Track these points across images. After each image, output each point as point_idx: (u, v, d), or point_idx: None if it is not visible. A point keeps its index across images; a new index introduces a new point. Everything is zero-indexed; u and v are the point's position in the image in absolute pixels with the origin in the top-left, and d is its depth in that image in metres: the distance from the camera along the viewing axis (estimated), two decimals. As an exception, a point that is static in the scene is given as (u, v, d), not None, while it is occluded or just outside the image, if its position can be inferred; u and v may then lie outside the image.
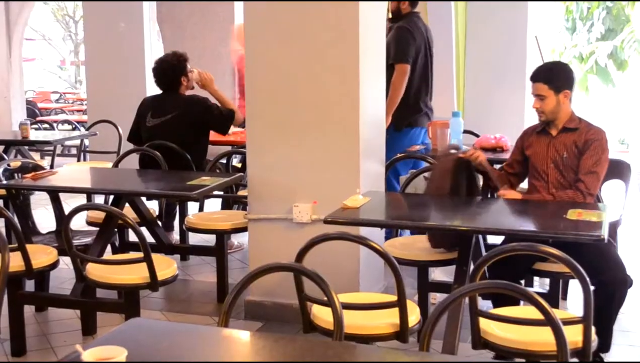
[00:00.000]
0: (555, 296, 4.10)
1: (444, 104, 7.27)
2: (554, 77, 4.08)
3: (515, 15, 7.68)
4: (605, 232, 3.30)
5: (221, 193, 5.82)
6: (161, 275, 3.84)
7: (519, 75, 7.75)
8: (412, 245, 4.28)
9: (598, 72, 14.11)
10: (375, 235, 4.45)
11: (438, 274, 4.91)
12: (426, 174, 5.01)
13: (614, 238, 4.86)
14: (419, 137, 6.01)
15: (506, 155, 5.55)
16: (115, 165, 5.79)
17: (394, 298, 3.10)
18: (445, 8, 7.45)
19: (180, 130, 5.67)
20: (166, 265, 3.95)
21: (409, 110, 5.92)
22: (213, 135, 6.20)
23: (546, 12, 9.57)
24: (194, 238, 5.91)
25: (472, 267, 3.66)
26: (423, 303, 4.26)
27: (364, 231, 4.10)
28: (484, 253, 3.84)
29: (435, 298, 4.64)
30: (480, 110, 7.55)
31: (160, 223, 5.29)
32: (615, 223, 4.86)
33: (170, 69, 5.78)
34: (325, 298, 2.56)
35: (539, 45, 7.96)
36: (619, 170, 5.02)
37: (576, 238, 3.32)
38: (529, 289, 2.76)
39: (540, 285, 4.97)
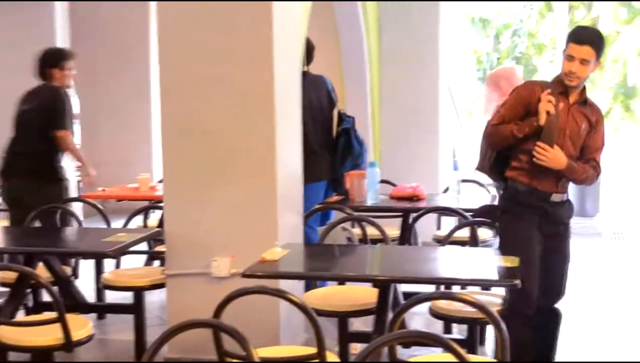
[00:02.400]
0: (472, 342, 4.15)
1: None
2: (601, 43, 3.84)
3: (428, 67, 7.88)
4: (518, 278, 3.37)
5: (141, 249, 5.73)
6: (76, 335, 3.73)
7: (433, 124, 7.94)
8: (332, 296, 4.28)
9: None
10: (296, 287, 4.44)
11: (359, 324, 4.92)
12: (344, 225, 5.05)
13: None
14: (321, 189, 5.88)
15: (423, 204, 5.65)
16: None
17: (314, 350, 3.09)
18: (359, 63, 7.58)
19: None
20: (81, 325, 3.85)
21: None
22: (131, 191, 6.14)
23: (458, 63, 9.85)
24: (111, 296, 5.79)
25: (391, 316, 3.68)
26: (344, 355, 4.25)
27: (284, 283, 4.09)
28: (401, 301, 3.87)
29: (356, 348, 4.63)
30: (397, 160, 7.67)
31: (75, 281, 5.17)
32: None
33: (42, 58, 5.75)
34: (245, 354, 2.53)
35: (451, 95, 8.17)
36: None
37: (490, 284, 3.38)
38: (445, 336, 2.79)
39: (458, 331, 5.02)
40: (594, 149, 3.99)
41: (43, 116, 5.58)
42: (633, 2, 12.65)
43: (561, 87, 3.87)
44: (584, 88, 3.92)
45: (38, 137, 5.56)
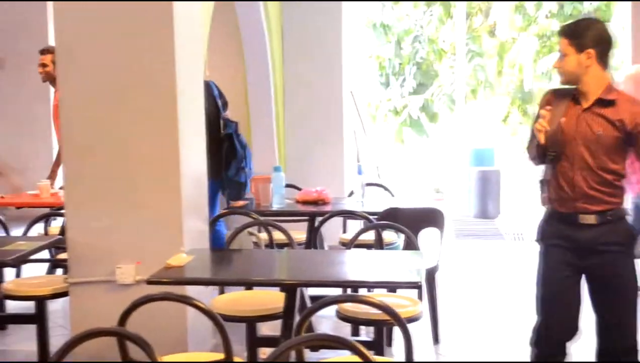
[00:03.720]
0: (379, 343, 4.21)
1: (266, 160, 7.38)
2: (578, 32, 3.47)
3: (331, 72, 7.96)
4: (422, 278, 3.45)
5: (43, 256, 5.59)
6: (-25, 347, 3.64)
7: (337, 129, 8.03)
8: (239, 301, 4.28)
9: (412, 124, 14.78)
10: (203, 292, 4.42)
11: (268, 329, 4.93)
12: (250, 229, 5.06)
13: (432, 284, 5.09)
14: None
15: (328, 208, 5.71)
16: None
17: (222, 356, 3.09)
18: (263, 66, 7.60)
19: None
20: (-19, 337, 3.75)
21: None
22: (31, 197, 5.98)
23: (361, 68, 9.97)
24: (12, 306, 5.64)
25: (297, 319, 3.70)
26: (253, 359, 4.26)
27: (191, 289, 4.07)
28: (308, 305, 3.90)
29: (265, 353, 4.64)
30: (301, 165, 7.73)
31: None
32: (433, 269, 5.09)
33: None
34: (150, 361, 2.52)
35: (354, 100, 8.27)
36: (434, 218, 5.27)
37: (395, 286, 3.44)
38: (352, 338, 2.83)
39: (366, 333, 5.10)
40: None
41: None
42: (527, 5, 13.06)
43: (573, 92, 3.56)
44: (608, 86, 3.50)
45: None
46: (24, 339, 5.37)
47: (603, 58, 3.47)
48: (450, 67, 14.18)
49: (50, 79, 6.24)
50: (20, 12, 10.11)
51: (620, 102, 3.47)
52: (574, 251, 3.54)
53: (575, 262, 3.55)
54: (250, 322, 4.22)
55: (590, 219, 3.49)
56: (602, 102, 3.47)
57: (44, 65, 6.50)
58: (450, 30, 14.28)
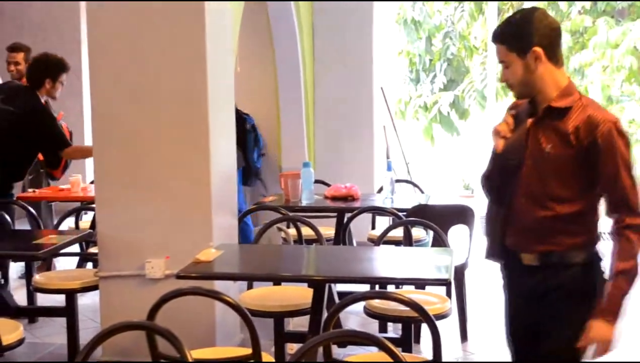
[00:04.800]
0: (407, 340, 4.20)
1: (295, 156, 7.38)
2: (515, 33, 2.77)
3: (362, 68, 7.94)
4: (450, 275, 3.43)
5: (73, 250, 5.64)
6: (6, 339, 3.66)
7: (366, 125, 8.00)
8: (268, 297, 4.29)
9: (442, 121, 14.69)
10: (231, 287, 4.43)
11: (296, 324, 4.93)
12: (279, 225, 5.07)
13: (461, 281, 5.06)
14: None
15: (357, 204, 5.70)
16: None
17: (249, 351, 3.09)
18: (293, 62, 7.59)
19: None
20: (12, 329, 3.78)
21: None
22: (62, 192, 6.03)
23: (391, 65, 9.94)
24: (42, 299, 5.69)
25: (325, 315, 3.70)
26: (280, 355, 4.26)
27: (219, 284, 4.08)
28: (336, 301, 3.90)
29: (293, 348, 4.65)
30: (331, 160, 7.72)
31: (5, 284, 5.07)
32: (462, 266, 5.06)
33: (42, 65, 5.58)
34: (179, 355, 2.53)
35: (384, 96, 8.25)
36: (463, 215, 5.24)
37: (424, 282, 3.43)
38: (380, 335, 2.82)
39: (394, 330, 5.08)
40: (613, 182, 2.66)
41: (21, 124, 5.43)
42: (560, 4, 12.93)
43: (531, 103, 2.86)
44: (564, 89, 2.76)
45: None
46: (54, 332, 5.42)
47: (553, 53, 2.76)
48: (482, 63, 14.06)
49: (21, 76, 6.22)
50: (52, 10, 10.20)
51: (577, 109, 2.71)
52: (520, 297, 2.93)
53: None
54: (278, 317, 4.23)
55: (531, 259, 2.82)
56: (553, 111, 2.74)
57: (16, 63, 6.50)
58: (481, 26, 14.18)
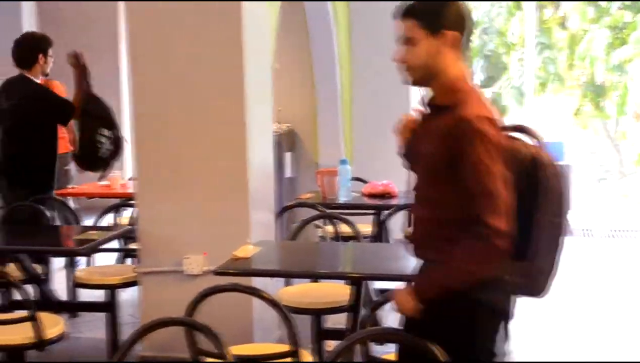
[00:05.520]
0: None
1: (332, 153, 7.38)
2: (432, 10, 2.52)
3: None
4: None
5: (113, 246, 5.70)
6: (48, 333, 3.72)
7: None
8: (306, 293, 4.30)
9: (480, 118, 14.62)
10: (269, 284, 4.45)
11: (335, 321, 4.94)
12: (316, 222, 5.08)
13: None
14: None
15: (395, 201, 5.69)
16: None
17: (287, 347, 3.11)
18: (330, 60, 7.60)
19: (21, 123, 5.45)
20: (53, 323, 3.84)
21: None
22: (102, 188, 6.10)
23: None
24: (83, 294, 5.76)
25: (364, 312, 3.71)
26: (318, 352, 4.27)
27: (257, 281, 4.10)
28: (374, 298, 3.90)
29: (331, 345, 4.65)
30: (368, 158, 7.70)
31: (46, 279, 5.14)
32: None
33: (30, 42, 5.56)
34: (218, 351, 2.55)
35: (422, 94, 8.21)
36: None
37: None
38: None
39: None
40: (470, 189, 2.40)
41: (28, 116, 5.46)
42: (600, 2, 12.79)
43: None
44: (454, 84, 2.52)
45: (7, 137, 5.46)
46: (94, 327, 5.48)
47: (464, 43, 2.54)
48: (520, 60, 13.96)
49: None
50: (91, 8, 10.30)
51: (455, 106, 2.45)
52: None
53: None
54: (316, 314, 4.24)
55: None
56: (435, 108, 2.57)
57: None
58: (519, 22, 14.07)
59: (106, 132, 5.40)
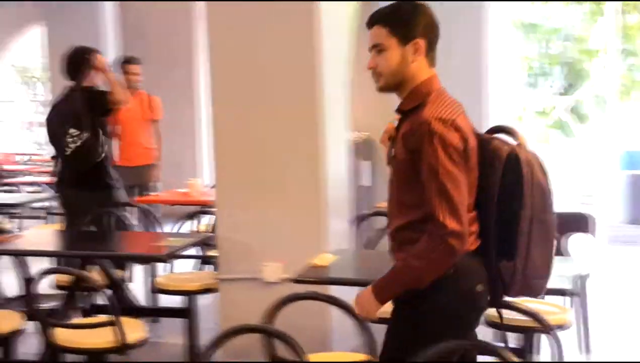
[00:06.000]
0: (527, 351, 4.10)
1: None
2: (402, 18, 2.63)
3: (476, 72, 7.82)
4: (570, 285, 3.33)
5: (192, 253, 5.78)
6: (130, 338, 3.79)
7: (480, 130, 7.86)
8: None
9: (560, 126, 14.37)
10: (346, 292, 4.44)
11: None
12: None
13: (583, 291, 4.91)
14: None
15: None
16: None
17: (364, 357, 3.09)
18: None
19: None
20: (135, 328, 3.91)
21: None
22: (182, 195, 6.19)
23: (507, 69, 9.74)
24: (164, 300, 5.85)
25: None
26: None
27: (335, 289, 4.10)
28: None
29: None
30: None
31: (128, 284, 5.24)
32: (583, 276, 4.91)
33: (72, 56, 5.68)
34: (296, 359, 2.55)
35: (502, 101, 8.09)
36: (583, 222, 5.08)
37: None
38: (497, 344, 2.77)
39: (513, 340, 4.97)
40: (427, 189, 2.48)
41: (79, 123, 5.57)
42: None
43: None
44: (418, 88, 2.63)
45: (70, 146, 5.56)
46: (174, 332, 5.55)
47: (431, 50, 2.66)
48: (602, 67, 13.67)
49: (137, 87, 6.26)
50: (165, 13, 10.48)
51: (420, 108, 2.55)
52: None
53: None
54: (394, 323, 4.20)
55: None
56: (403, 113, 2.66)
57: (135, 73, 6.66)
58: (601, 28, 13.78)
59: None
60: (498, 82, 8.22)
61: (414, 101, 2.59)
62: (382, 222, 5.45)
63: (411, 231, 2.54)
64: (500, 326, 4.00)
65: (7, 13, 10.64)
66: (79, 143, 5.45)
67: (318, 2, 4.37)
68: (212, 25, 4.62)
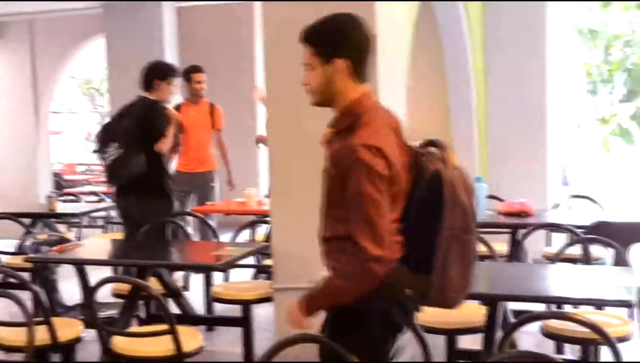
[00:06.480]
0: (586, 363, 4.03)
1: (467, 170, 7.24)
2: (324, 37, 2.69)
3: (535, 80, 7.73)
4: (634, 296, 3.26)
5: (248, 262, 5.81)
6: (186, 347, 3.82)
7: (540, 139, 7.78)
8: (439, 313, 4.21)
9: (621, 134, 14.11)
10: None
11: (468, 342, 4.85)
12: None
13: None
14: None
15: (531, 220, 5.54)
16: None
17: (421, 367, 3.07)
18: (464, 74, 7.49)
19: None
20: (191, 337, 3.94)
21: None
22: (238, 205, 6.23)
23: (567, 76, 9.61)
24: (220, 309, 5.89)
25: (499, 334, 3.62)
26: (452, 372, 4.20)
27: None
28: (510, 319, 3.80)
29: (464, 366, 4.57)
30: (503, 175, 7.53)
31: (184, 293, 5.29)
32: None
33: (152, 68, 5.86)
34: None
35: (561, 109, 7.98)
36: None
37: (603, 303, 3.28)
38: (558, 357, 2.72)
39: (571, 352, 4.89)
40: (351, 214, 2.58)
41: (143, 133, 5.66)
42: None
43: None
44: (349, 107, 2.69)
45: (143, 154, 5.64)
46: (230, 341, 5.58)
47: (358, 69, 2.67)
48: (665, 73, 13.41)
49: (202, 96, 6.34)
50: (224, 21, 10.57)
51: (350, 132, 2.60)
52: None
53: None
54: (450, 334, 4.17)
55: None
56: (338, 132, 2.70)
57: (200, 82, 6.71)
58: (665, 33, 13.52)
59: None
60: (557, 89, 8.11)
61: (345, 121, 2.66)
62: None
63: (340, 242, 2.64)
64: (558, 337, 3.95)
65: (69, 25, 10.84)
66: (113, 157, 5.56)
67: (375, 1, 4.32)
68: (266, 27, 4.62)
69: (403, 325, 2.75)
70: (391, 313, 2.67)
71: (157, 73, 5.80)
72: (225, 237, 6.50)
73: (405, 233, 2.62)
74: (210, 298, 5.22)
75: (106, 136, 5.67)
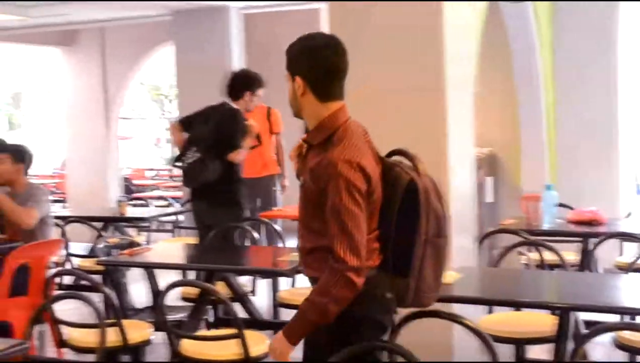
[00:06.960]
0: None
1: (537, 178, 7.12)
2: (290, 55, 2.82)
3: (606, 85, 7.58)
4: None
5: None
6: (254, 351, 3.84)
7: (612, 146, 7.63)
8: (508, 322, 4.18)
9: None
10: (469, 311, 4.36)
11: (537, 352, 4.77)
12: (520, 249, 4.94)
13: None
14: None
15: (603, 229, 5.43)
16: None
17: (490, 377, 3.03)
18: (533, 79, 7.37)
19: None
20: (258, 341, 3.95)
21: None
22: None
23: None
24: (286, 314, 5.91)
25: (570, 344, 3.56)
26: (520, 382, 4.14)
27: (458, 307, 4.03)
28: (582, 330, 3.73)
29: (533, 377, 4.50)
30: (574, 183, 7.39)
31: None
32: None
33: (242, 79, 5.92)
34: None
35: (633, 114, 7.81)
36: None
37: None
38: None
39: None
40: (330, 227, 2.65)
41: (221, 141, 5.72)
42: None
43: None
44: (324, 123, 2.77)
45: (219, 161, 5.70)
46: (296, 347, 5.59)
47: (319, 89, 2.75)
48: None
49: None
50: (291, 26, 10.61)
51: (330, 147, 2.69)
52: None
53: None
54: (518, 344, 4.11)
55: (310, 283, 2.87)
56: (316, 145, 2.77)
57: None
58: None
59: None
60: (630, 93, 7.94)
61: (320, 136, 2.75)
62: (506, 239, 5.34)
63: (322, 253, 2.69)
64: (631, 349, 3.87)
65: (139, 32, 11.04)
66: (191, 161, 5.63)
67: (441, 1, 4.30)
68: (333, 28, 4.63)
69: (388, 326, 2.84)
70: (378, 317, 2.78)
71: (244, 82, 5.86)
72: (291, 242, 6.52)
73: (384, 239, 2.75)
74: (276, 303, 5.23)
75: (187, 140, 5.77)
